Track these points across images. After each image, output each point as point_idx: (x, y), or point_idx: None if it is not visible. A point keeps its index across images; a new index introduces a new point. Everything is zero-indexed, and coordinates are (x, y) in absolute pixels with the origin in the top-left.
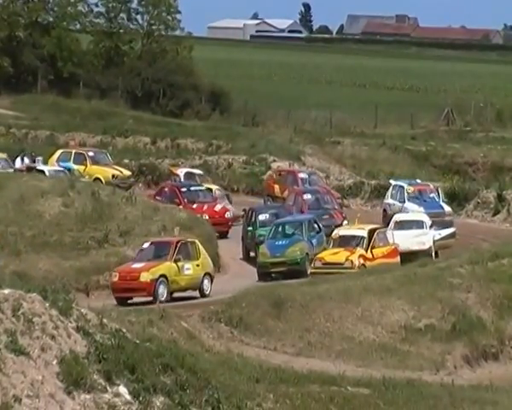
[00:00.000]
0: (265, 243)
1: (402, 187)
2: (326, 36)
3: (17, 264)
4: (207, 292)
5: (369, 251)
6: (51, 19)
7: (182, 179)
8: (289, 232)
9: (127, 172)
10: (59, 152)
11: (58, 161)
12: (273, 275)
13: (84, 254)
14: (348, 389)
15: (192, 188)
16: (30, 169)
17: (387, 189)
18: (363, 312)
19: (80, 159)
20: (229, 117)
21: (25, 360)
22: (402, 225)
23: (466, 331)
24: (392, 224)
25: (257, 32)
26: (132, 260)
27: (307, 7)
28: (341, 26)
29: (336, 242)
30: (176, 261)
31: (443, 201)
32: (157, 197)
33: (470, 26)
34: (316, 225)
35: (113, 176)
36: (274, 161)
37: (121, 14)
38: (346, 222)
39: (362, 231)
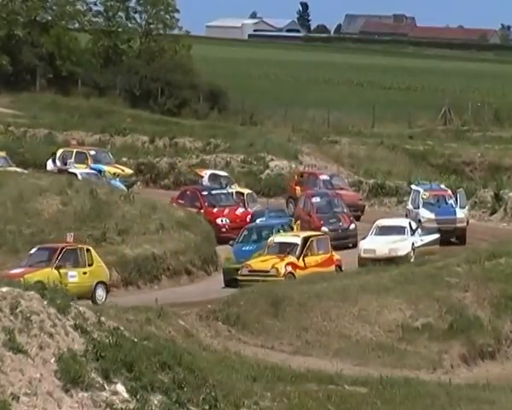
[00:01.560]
0: (233, 247)
1: (419, 192)
2: (324, 35)
3: (15, 262)
4: (100, 301)
5: (301, 259)
6: (50, 17)
7: (206, 181)
8: (258, 237)
9: (129, 171)
10: (60, 151)
11: (60, 159)
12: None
13: None
14: (345, 387)
15: (214, 192)
16: (61, 171)
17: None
18: (360, 311)
19: (81, 158)
20: (227, 116)
21: (23, 358)
22: (383, 231)
23: (463, 330)
24: (373, 229)
25: (255, 31)
26: (18, 265)
27: (305, 6)
28: (339, 26)
29: (271, 248)
30: (58, 268)
31: (461, 206)
32: (179, 201)
33: (468, 25)
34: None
35: (114, 174)
36: (272, 159)
37: (120, 13)
38: (353, 226)
39: (296, 238)
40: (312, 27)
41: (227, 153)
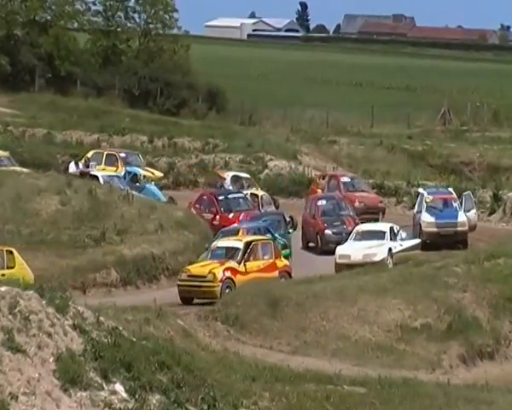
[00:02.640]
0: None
1: (423, 196)
2: (323, 35)
3: None
4: None
5: (242, 264)
6: (49, 17)
7: (228, 183)
8: None
9: (159, 174)
10: (91, 153)
11: (90, 161)
12: None
13: (80, 253)
14: (344, 387)
15: (230, 196)
16: (84, 174)
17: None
18: (358, 311)
19: (112, 160)
20: (225, 116)
21: (21, 358)
22: (362, 236)
23: (462, 331)
24: (353, 234)
25: (254, 30)
26: None
27: (304, 6)
28: (338, 26)
29: (214, 253)
30: None
31: (466, 210)
32: (196, 205)
33: (467, 26)
34: (270, 234)
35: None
36: (271, 159)
37: (118, 13)
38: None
39: (238, 242)
40: (311, 27)
41: (226, 153)
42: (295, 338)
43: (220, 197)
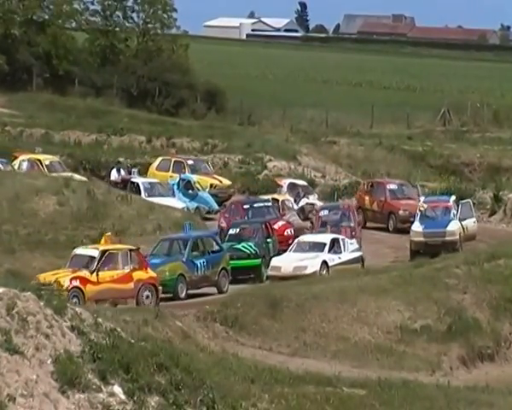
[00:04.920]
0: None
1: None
2: (322, 35)
3: (11, 262)
4: None
5: (94, 274)
6: (47, 16)
7: (285, 191)
8: (169, 251)
9: (227, 182)
10: (159, 159)
11: (158, 169)
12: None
13: None
14: (344, 389)
15: (256, 204)
16: (125, 181)
17: None
18: (358, 312)
19: (179, 167)
20: (224, 116)
21: (19, 359)
22: (301, 247)
23: (462, 332)
24: (293, 245)
25: (253, 30)
26: None
27: (303, 6)
28: (338, 26)
29: (73, 261)
30: None
31: (462, 218)
32: (225, 215)
33: (467, 26)
34: (214, 244)
35: (210, 185)
36: (270, 160)
37: (117, 12)
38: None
39: (94, 251)
40: (311, 27)
41: (225, 153)
42: (295, 340)
43: (245, 206)
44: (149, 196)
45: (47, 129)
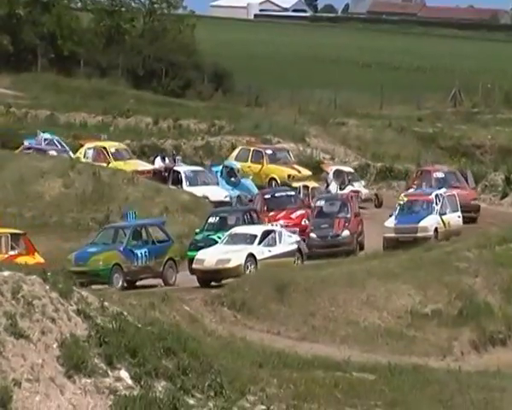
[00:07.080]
0: (81, 247)
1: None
2: (331, 15)
3: None
4: None
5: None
6: None
7: (331, 177)
8: (113, 239)
9: (306, 172)
10: (238, 149)
11: (237, 159)
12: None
13: (84, 236)
14: (353, 374)
15: (277, 194)
16: (168, 170)
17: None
18: (368, 296)
19: (258, 157)
20: (232, 97)
21: (25, 344)
22: (232, 239)
23: (473, 317)
24: (224, 237)
25: (261, 10)
26: None
27: None
28: (347, 5)
29: None
30: None
31: (442, 212)
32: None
33: (478, 5)
34: (161, 234)
35: (288, 176)
36: (278, 142)
37: None
38: (345, 233)
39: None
40: (319, 7)
41: (232, 135)
42: (303, 324)
43: (266, 196)
44: (191, 185)
45: (52, 110)
